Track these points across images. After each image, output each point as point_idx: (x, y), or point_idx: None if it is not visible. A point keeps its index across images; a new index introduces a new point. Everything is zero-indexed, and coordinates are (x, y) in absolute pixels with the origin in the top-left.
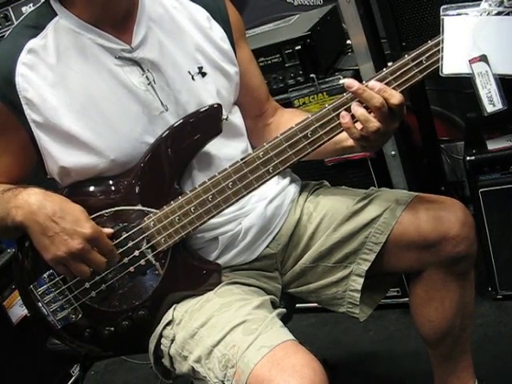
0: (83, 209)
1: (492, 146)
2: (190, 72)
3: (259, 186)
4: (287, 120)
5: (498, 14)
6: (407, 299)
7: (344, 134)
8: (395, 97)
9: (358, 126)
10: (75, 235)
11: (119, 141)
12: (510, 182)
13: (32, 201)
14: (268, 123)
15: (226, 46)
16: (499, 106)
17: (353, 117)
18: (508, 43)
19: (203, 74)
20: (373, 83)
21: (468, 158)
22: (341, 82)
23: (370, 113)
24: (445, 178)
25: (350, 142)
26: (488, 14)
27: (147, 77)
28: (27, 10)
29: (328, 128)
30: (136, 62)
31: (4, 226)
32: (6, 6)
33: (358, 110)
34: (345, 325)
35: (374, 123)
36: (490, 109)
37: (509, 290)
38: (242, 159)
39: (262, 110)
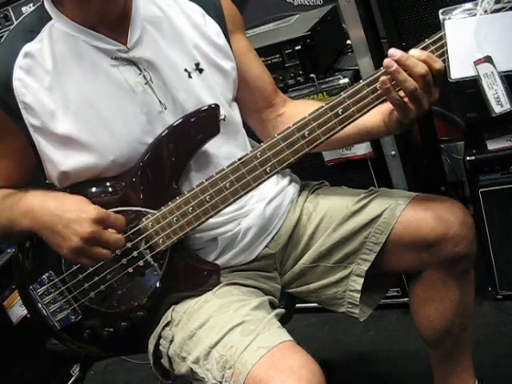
0: (82, 197)
1: (492, 146)
2: (186, 69)
3: (257, 186)
4: (302, 109)
5: (497, 10)
6: (407, 299)
7: (372, 118)
8: (438, 62)
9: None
10: (82, 221)
11: (118, 142)
12: (510, 182)
13: (34, 203)
14: (280, 113)
15: (221, 41)
16: (507, 106)
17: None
18: (510, 39)
19: (200, 71)
20: (413, 50)
21: (468, 158)
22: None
23: None
24: (445, 177)
25: (376, 123)
26: (486, 11)
27: (144, 76)
28: (27, 9)
29: (325, 127)
30: (132, 62)
31: (9, 232)
32: (6, 6)
33: (392, 65)
34: (345, 325)
35: (412, 82)
36: (498, 109)
37: (509, 290)
38: (239, 159)
39: (270, 100)
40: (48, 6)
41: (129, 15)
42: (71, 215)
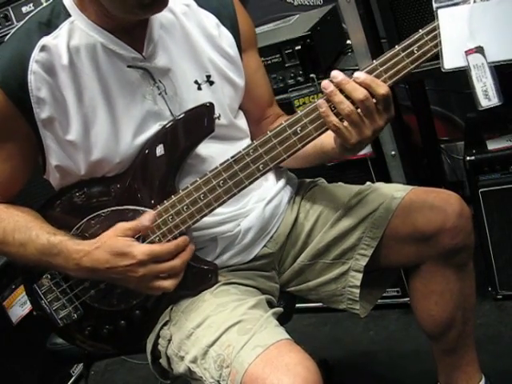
0: (120, 239)
1: (492, 146)
2: (197, 81)
3: (250, 183)
4: None
5: None
6: (407, 299)
7: (327, 139)
8: (382, 87)
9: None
10: (132, 267)
11: (125, 147)
12: (509, 181)
13: (85, 265)
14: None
15: (233, 52)
16: (494, 100)
17: (332, 109)
18: (505, 27)
19: (211, 83)
20: (358, 73)
21: (468, 158)
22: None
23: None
24: (445, 177)
25: (330, 144)
26: None
27: (158, 87)
28: (27, 9)
29: (317, 123)
30: (147, 71)
31: (37, 263)
32: (6, 6)
33: (328, 86)
34: (345, 325)
35: (348, 105)
36: (484, 103)
37: (509, 290)
38: (232, 157)
39: (264, 115)
40: (68, 4)
41: (146, 22)
42: (122, 263)
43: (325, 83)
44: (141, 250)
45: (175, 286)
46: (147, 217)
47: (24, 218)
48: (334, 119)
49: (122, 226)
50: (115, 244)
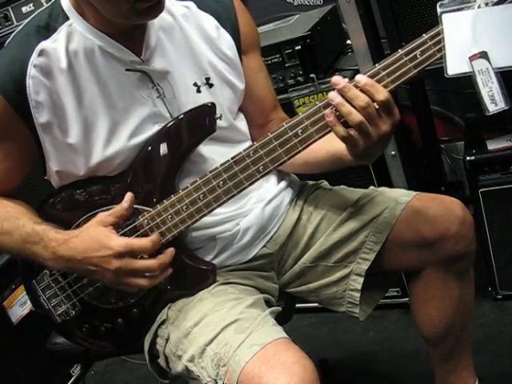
0: (100, 228)
1: (492, 146)
2: (196, 84)
3: (250, 184)
4: None
5: (498, 3)
6: (407, 299)
7: (338, 145)
8: (381, 93)
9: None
10: (108, 259)
11: (126, 149)
12: (509, 181)
13: (62, 254)
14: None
15: (233, 54)
16: (502, 105)
17: (339, 117)
18: (510, 33)
19: (210, 85)
20: (359, 77)
21: (468, 158)
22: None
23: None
24: (445, 177)
25: (345, 152)
26: (487, 4)
27: (157, 90)
28: (27, 9)
29: (319, 125)
30: (146, 74)
31: (17, 253)
32: (6, 6)
33: (335, 98)
34: (345, 325)
35: (356, 115)
36: (491, 108)
37: (509, 290)
38: (232, 158)
39: (267, 119)
40: (67, 7)
41: (145, 25)
42: (98, 253)
43: (332, 95)
44: (118, 241)
45: (150, 286)
46: (125, 198)
47: (14, 209)
48: (341, 129)
49: (102, 214)
50: (94, 232)
